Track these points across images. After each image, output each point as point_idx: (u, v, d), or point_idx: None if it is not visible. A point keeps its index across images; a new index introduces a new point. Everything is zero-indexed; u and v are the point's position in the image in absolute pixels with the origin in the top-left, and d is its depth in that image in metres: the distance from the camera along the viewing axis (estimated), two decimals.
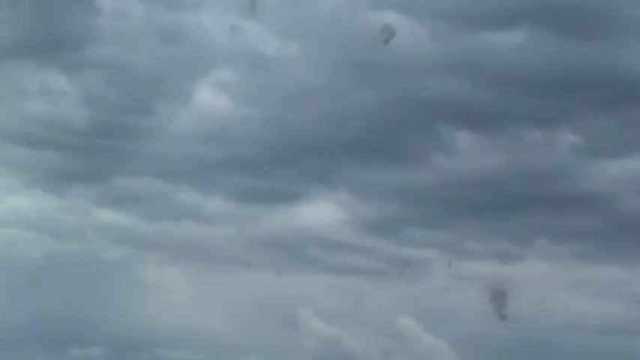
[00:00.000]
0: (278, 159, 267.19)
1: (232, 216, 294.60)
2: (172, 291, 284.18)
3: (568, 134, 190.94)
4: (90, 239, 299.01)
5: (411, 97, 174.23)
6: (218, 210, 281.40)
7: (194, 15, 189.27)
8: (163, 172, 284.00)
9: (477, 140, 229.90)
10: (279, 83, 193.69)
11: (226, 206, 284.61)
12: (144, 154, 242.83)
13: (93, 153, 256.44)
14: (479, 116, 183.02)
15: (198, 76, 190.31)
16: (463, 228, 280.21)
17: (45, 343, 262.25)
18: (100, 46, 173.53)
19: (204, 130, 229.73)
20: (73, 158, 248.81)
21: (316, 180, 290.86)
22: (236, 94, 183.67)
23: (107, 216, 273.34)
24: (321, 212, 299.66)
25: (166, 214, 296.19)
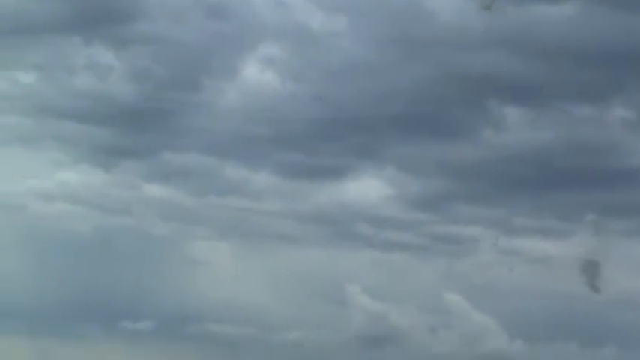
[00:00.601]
0: (325, 134, 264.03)
1: (279, 192, 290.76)
2: (220, 266, 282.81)
3: (619, 109, 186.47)
4: (138, 214, 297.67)
5: (459, 72, 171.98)
6: (265, 186, 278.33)
7: None
8: (211, 148, 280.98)
9: (526, 115, 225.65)
10: (326, 58, 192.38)
11: (273, 182, 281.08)
12: (191, 129, 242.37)
13: (141, 128, 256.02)
14: (528, 91, 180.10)
15: (245, 52, 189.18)
16: (510, 204, 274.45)
17: (96, 316, 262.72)
18: (148, 21, 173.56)
19: (252, 106, 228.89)
20: (121, 133, 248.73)
21: (363, 155, 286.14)
22: (282, 70, 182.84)
23: (155, 191, 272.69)
24: (367, 188, 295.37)
25: (214, 190, 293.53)
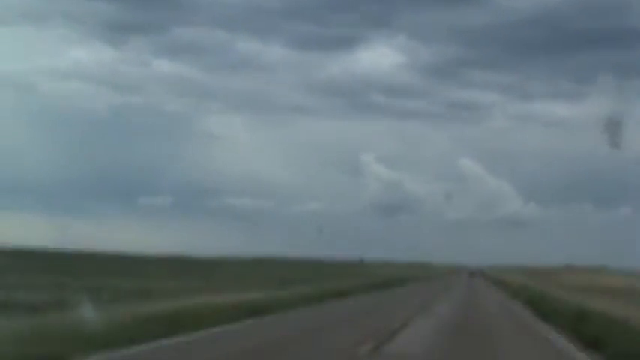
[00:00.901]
0: (336, 5, 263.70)
1: (292, 64, 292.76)
2: (235, 140, 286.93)
3: None
4: (151, 91, 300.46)
5: None
6: (277, 58, 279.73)
7: None
8: (221, 22, 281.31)
9: None
10: None
11: (286, 54, 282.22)
12: (200, 3, 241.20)
13: (149, 3, 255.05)
14: None
15: None
16: (524, 68, 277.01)
17: (114, 193, 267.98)
18: None
19: None
20: (130, 9, 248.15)
21: (375, 25, 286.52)
22: None
23: (166, 67, 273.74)
24: (380, 57, 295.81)
25: (226, 64, 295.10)
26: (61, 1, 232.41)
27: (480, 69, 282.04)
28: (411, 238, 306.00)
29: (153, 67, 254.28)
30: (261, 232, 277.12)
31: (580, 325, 23.23)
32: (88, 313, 17.21)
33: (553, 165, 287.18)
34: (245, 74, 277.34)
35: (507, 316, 32.76)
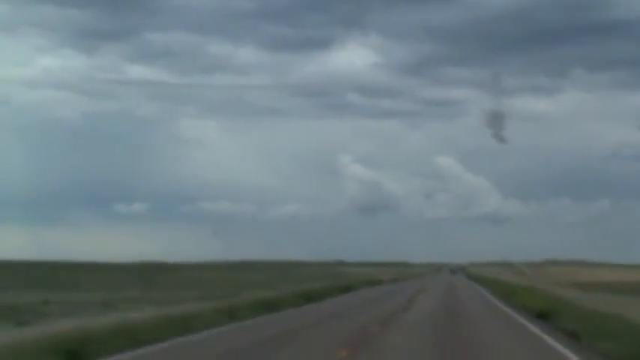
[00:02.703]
0: (308, 6, 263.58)
1: (265, 65, 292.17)
2: (210, 144, 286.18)
3: None
4: (124, 96, 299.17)
5: None
6: (250, 60, 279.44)
7: None
8: (193, 25, 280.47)
9: None
10: None
11: (258, 56, 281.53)
12: (172, 7, 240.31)
13: (120, 9, 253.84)
14: None
15: None
16: (498, 64, 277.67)
17: (90, 200, 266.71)
18: None
19: None
20: (101, 15, 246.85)
21: (347, 24, 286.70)
22: None
23: (139, 72, 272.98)
24: (354, 57, 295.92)
25: (198, 68, 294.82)
26: (32, 9, 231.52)
27: (455, 65, 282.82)
28: (391, 237, 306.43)
29: (126, 73, 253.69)
30: (240, 236, 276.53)
31: None
32: None
33: (531, 160, 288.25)
34: (218, 77, 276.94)
35: None
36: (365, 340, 19.33)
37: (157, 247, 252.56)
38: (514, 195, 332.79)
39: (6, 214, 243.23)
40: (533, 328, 23.88)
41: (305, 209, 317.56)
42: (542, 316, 27.58)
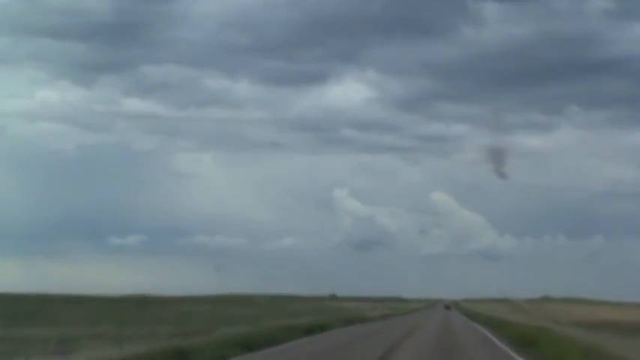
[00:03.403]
0: (304, 40, 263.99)
1: (261, 100, 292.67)
2: (206, 178, 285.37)
3: None
4: (120, 130, 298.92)
5: None
6: (247, 95, 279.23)
7: None
8: (189, 59, 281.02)
9: (505, 10, 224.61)
10: None
11: (255, 90, 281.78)
12: (169, 41, 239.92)
13: (117, 42, 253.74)
14: None
15: None
16: (495, 100, 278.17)
17: (85, 233, 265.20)
18: None
19: (228, 13, 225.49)
20: (98, 48, 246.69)
21: (344, 59, 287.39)
22: None
23: (136, 105, 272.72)
24: (350, 92, 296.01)
25: (195, 101, 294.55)
26: (29, 42, 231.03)
27: (451, 101, 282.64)
28: (386, 272, 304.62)
29: (122, 105, 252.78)
30: (236, 270, 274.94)
31: None
32: None
33: (526, 197, 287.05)
34: (214, 111, 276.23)
35: None
36: None
37: (151, 279, 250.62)
38: (509, 231, 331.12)
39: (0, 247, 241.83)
40: None
41: (301, 243, 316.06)
42: None
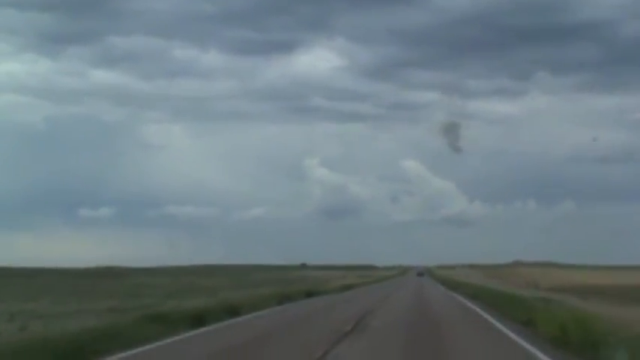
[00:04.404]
0: (272, 9, 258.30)
1: (230, 70, 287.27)
2: (176, 149, 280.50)
3: None
4: (88, 101, 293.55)
5: None
6: (215, 64, 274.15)
7: None
8: (157, 29, 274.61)
9: None
10: None
11: (223, 60, 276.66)
12: (135, 11, 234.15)
13: (84, 13, 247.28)
14: None
15: None
16: (463, 66, 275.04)
17: (55, 206, 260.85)
18: None
19: None
20: (64, 19, 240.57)
21: (312, 28, 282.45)
22: None
23: (103, 76, 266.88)
24: (320, 60, 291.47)
25: (163, 72, 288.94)
26: None
27: (420, 68, 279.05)
28: (357, 240, 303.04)
29: (90, 77, 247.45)
30: (205, 240, 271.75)
31: None
32: None
33: (496, 163, 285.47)
34: (183, 81, 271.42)
35: None
36: None
37: (121, 251, 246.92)
38: (480, 198, 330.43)
39: None
40: None
41: (271, 213, 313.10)
42: None
